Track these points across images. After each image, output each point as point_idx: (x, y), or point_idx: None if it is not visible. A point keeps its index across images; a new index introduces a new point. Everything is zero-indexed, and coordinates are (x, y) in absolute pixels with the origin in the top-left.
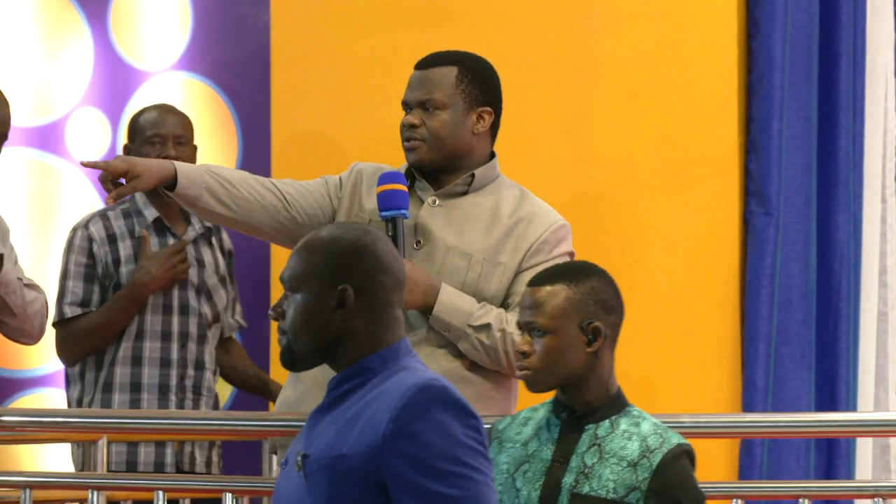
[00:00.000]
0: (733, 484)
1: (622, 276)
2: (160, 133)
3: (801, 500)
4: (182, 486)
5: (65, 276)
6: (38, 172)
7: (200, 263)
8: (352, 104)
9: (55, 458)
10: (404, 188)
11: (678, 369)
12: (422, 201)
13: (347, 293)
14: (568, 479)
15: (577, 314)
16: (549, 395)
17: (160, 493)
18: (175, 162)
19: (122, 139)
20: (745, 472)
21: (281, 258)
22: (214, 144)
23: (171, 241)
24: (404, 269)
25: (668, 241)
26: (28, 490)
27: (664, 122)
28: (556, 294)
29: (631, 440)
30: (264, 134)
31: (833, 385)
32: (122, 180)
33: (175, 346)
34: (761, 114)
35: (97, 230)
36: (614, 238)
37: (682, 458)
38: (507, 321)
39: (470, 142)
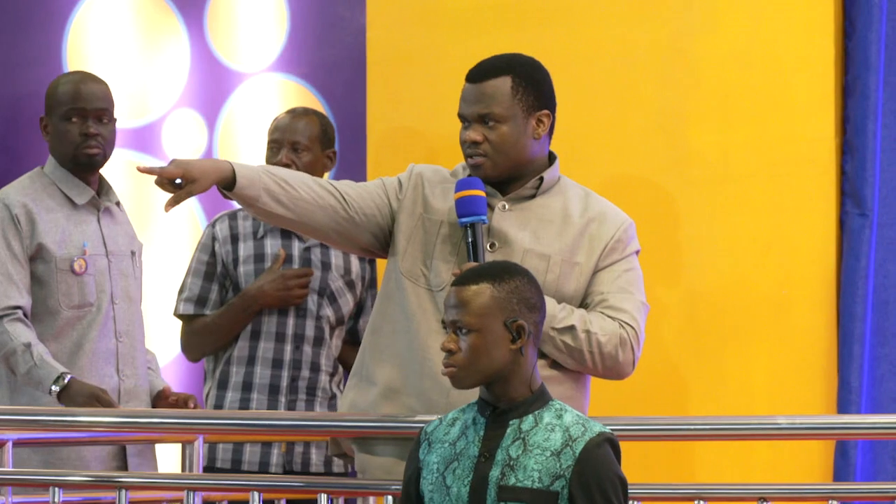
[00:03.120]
0: (828, 486)
1: (718, 276)
2: (276, 139)
3: None
4: (277, 487)
5: (188, 271)
6: (135, 173)
7: (325, 266)
8: (447, 105)
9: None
10: (483, 194)
11: (774, 370)
12: (491, 206)
13: None
14: (494, 473)
15: (502, 312)
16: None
17: (256, 493)
18: (233, 162)
19: (219, 140)
20: (839, 473)
21: None
22: None
23: (295, 243)
24: None
25: (764, 242)
26: (124, 491)
27: (760, 122)
28: (482, 293)
29: (554, 431)
30: (360, 135)
31: None
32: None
33: (289, 348)
34: (857, 114)
35: (221, 229)
36: (710, 238)
37: (603, 446)
38: (590, 322)
39: (532, 148)
